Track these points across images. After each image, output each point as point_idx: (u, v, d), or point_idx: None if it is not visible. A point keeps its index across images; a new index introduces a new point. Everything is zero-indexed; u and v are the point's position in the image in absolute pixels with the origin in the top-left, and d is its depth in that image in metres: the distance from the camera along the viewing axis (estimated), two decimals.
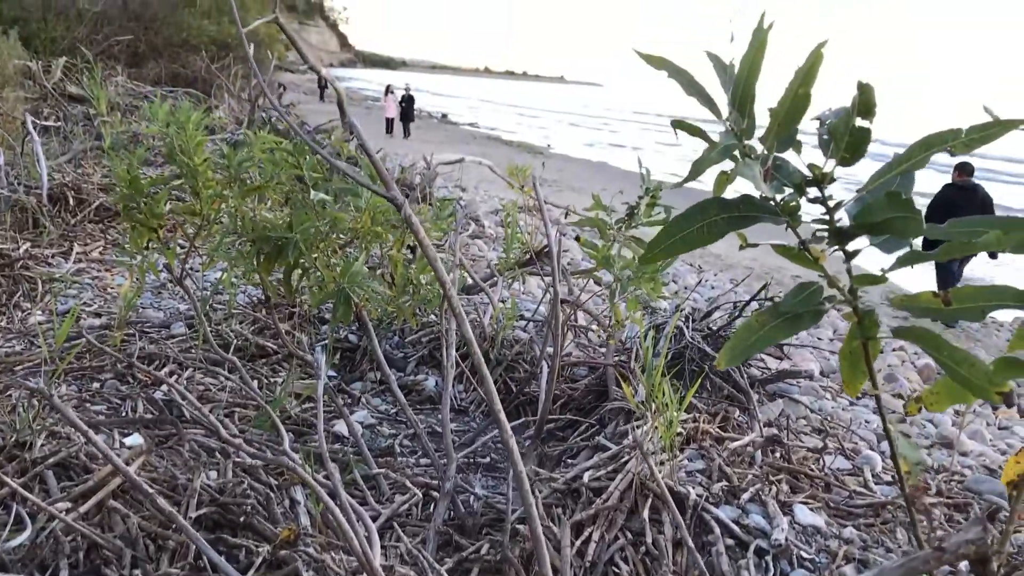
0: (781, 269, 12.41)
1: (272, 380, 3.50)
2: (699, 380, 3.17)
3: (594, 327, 4.48)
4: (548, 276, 5.12)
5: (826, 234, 0.93)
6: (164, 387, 3.14)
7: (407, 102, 29.66)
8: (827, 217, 0.93)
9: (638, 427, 2.67)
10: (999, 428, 5.09)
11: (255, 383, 3.37)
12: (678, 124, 1.12)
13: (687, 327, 3.61)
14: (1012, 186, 34.73)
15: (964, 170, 9.83)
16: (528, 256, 5.09)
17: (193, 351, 3.53)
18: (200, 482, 2.44)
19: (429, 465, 2.95)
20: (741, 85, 0.85)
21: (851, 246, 0.95)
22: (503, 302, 5.25)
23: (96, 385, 3.20)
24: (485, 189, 14.82)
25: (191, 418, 2.91)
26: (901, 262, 0.92)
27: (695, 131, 1.02)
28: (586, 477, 2.43)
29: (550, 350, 2.99)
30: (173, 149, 3.04)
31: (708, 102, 0.90)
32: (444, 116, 49.00)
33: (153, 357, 3.43)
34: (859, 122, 0.87)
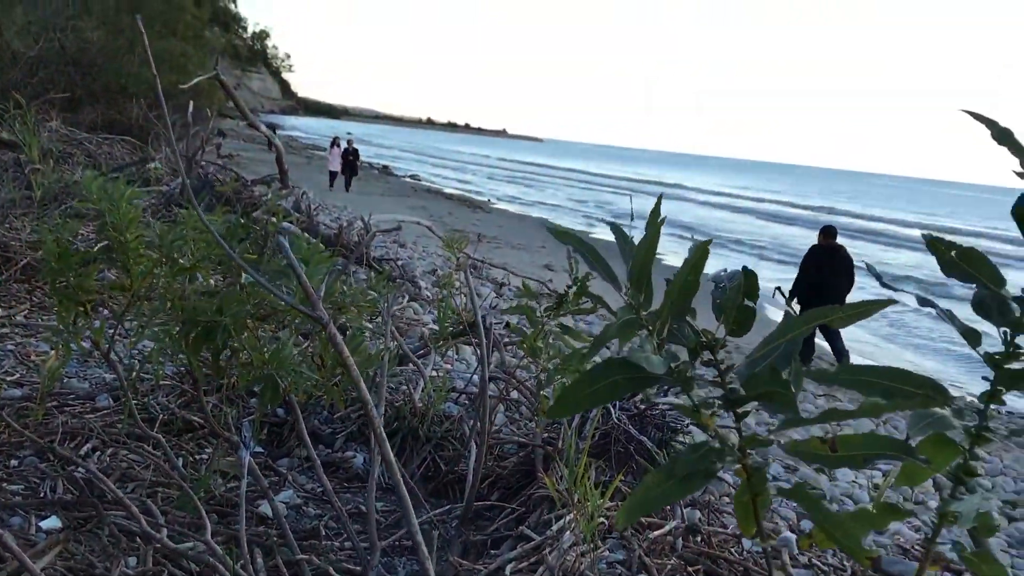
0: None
1: (198, 457, 3.46)
2: (623, 468, 3.23)
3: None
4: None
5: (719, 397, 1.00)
6: (87, 462, 3.09)
7: (353, 155, 29.64)
8: (720, 381, 1.00)
9: (561, 516, 2.71)
10: (915, 503, 5.25)
11: (180, 460, 3.33)
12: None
13: (614, 408, 3.68)
14: (890, 247, 36.17)
15: (828, 233, 10.94)
16: (462, 326, 5.14)
17: (118, 425, 3.48)
18: (119, 571, 2.40)
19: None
20: (639, 266, 0.93)
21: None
22: (436, 371, 5.28)
23: (14, 463, 3.13)
24: (424, 246, 14.89)
25: (112, 498, 2.87)
26: (785, 425, 1.00)
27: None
28: (508, 570, 2.46)
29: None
30: (105, 224, 3.04)
31: (610, 277, 0.98)
32: (385, 168, 49.15)
33: (76, 432, 3.38)
34: (746, 303, 0.96)
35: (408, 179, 44.29)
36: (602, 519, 2.74)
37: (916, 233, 44.73)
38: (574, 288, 3.00)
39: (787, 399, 0.90)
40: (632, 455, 3.51)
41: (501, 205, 35.83)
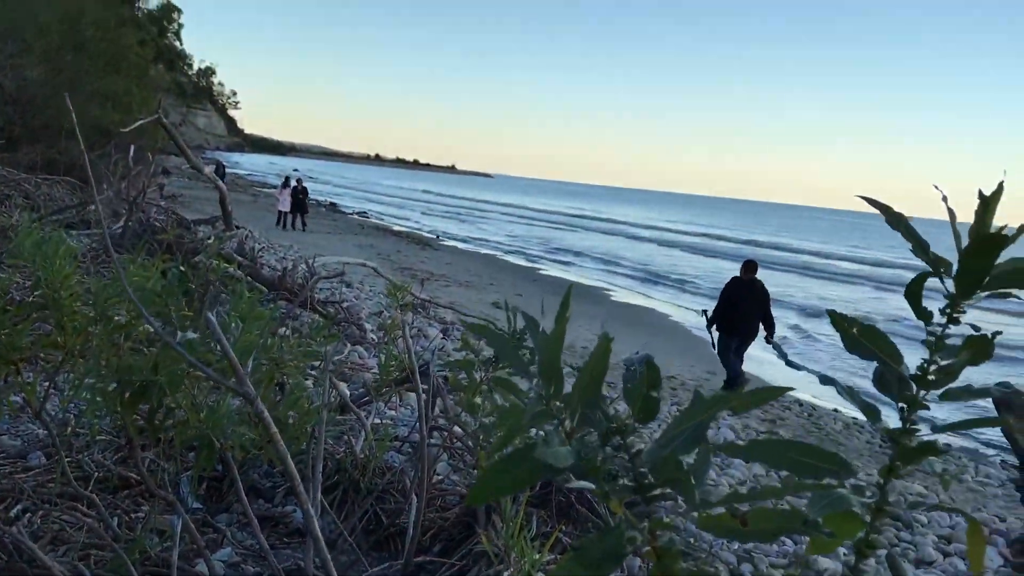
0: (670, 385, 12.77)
1: (134, 515, 3.40)
2: (564, 518, 3.26)
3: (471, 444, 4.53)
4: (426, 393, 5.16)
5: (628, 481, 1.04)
6: (15, 526, 3.02)
7: (302, 193, 29.35)
8: (629, 465, 1.04)
9: (499, 574, 2.72)
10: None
11: (115, 519, 3.27)
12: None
13: None
14: (819, 279, 36.97)
15: (748, 268, 11.66)
16: (406, 374, 5.14)
17: (50, 485, 3.41)
18: None
19: None
20: (547, 360, 0.97)
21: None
22: (380, 419, 5.26)
23: None
24: (371, 286, 14.83)
25: (41, 564, 2.81)
26: (686, 511, 1.03)
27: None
28: None
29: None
30: (39, 280, 3.00)
31: (522, 366, 1.01)
32: (333, 205, 48.96)
33: (5, 494, 3.30)
34: (651, 393, 1.00)
35: (356, 216, 44.17)
36: (540, 574, 2.75)
37: (848, 265, 45.80)
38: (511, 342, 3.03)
39: (687, 487, 0.94)
40: (573, 504, 3.54)
41: (450, 242, 35.90)
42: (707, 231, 70.05)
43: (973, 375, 1.21)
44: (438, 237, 37.16)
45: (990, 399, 3.13)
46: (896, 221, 1.28)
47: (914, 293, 1.24)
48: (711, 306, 12.05)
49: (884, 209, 1.29)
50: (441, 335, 9.52)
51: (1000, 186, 1.24)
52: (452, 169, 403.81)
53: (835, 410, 12.62)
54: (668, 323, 19.30)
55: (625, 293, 24.84)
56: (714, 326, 11.71)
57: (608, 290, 25.00)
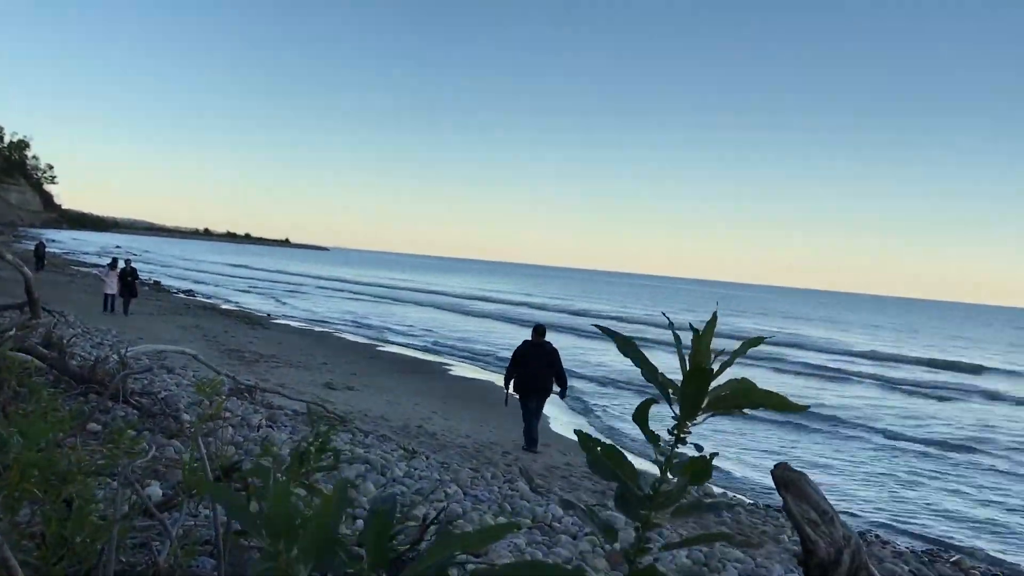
0: (492, 446, 12.84)
1: None
2: None
3: None
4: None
5: None
6: None
7: (131, 275, 27.57)
8: None
9: None
10: None
11: None
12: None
13: None
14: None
15: (538, 332, 12.89)
16: (224, 471, 4.94)
17: None
18: None
19: None
20: (274, 513, 0.98)
21: None
22: (195, 520, 5.01)
23: None
24: (194, 371, 14.23)
25: None
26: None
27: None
28: None
29: None
30: None
31: (253, 531, 1.03)
32: (157, 284, 46.92)
33: None
34: (380, 539, 1.03)
35: (182, 295, 42.46)
36: None
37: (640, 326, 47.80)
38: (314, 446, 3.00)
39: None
40: None
41: (282, 320, 35.03)
42: (547, 300, 71.68)
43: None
44: (268, 316, 36.18)
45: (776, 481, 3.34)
46: (624, 345, 1.37)
47: (642, 417, 1.33)
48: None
49: (614, 336, 1.38)
50: (266, 422, 9.21)
51: (714, 317, 1.36)
52: (286, 243, 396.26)
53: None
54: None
55: (464, 367, 24.90)
56: (510, 385, 12.84)
57: (447, 365, 25.00)
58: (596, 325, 1.59)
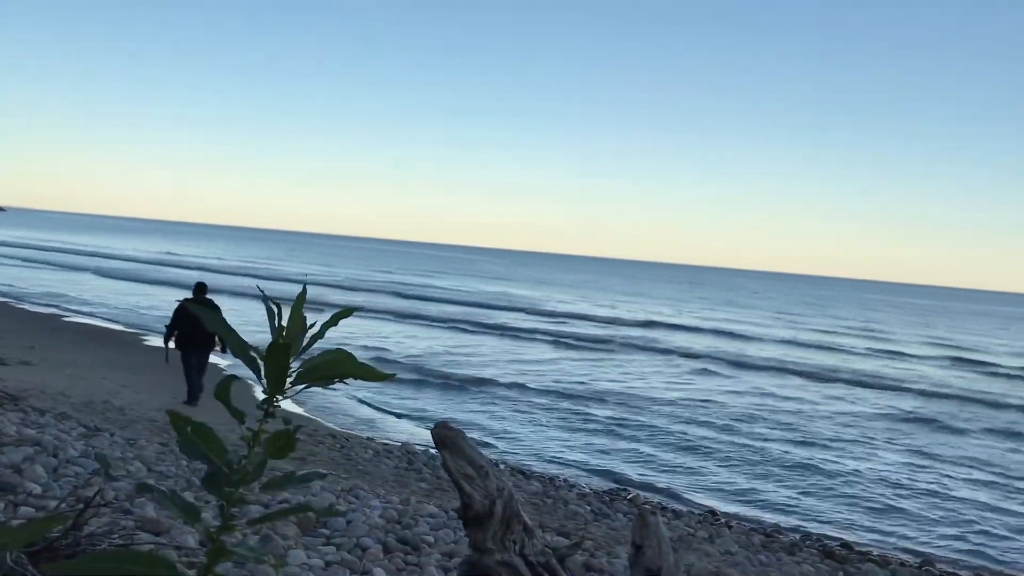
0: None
1: None
2: None
3: None
4: None
5: None
6: None
7: None
8: None
9: None
10: None
11: None
12: None
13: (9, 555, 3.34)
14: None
15: (199, 290, 13.44)
16: None
17: None
18: None
19: None
20: None
21: None
22: None
23: None
24: None
25: None
26: None
27: None
28: None
29: None
30: None
31: None
32: None
33: None
34: None
35: None
36: None
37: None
38: None
39: None
40: None
41: None
42: (241, 263, 69.12)
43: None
44: None
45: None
46: (212, 319, 1.34)
47: (224, 394, 1.30)
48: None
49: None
50: None
51: (303, 290, 1.35)
52: None
53: (368, 439, 13.18)
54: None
55: (157, 338, 23.48)
56: (171, 342, 13.29)
57: (141, 335, 23.46)
58: (258, 287, 1.54)
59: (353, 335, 26.35)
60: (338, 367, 1.32)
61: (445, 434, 2.98)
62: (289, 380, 1.29)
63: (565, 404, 18.53)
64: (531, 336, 32.73)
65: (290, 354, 1.25)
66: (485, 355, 25.99)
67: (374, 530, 6.76)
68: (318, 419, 14.73)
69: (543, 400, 18.83)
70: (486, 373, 21.87)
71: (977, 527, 11.77)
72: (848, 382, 26.69)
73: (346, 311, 1.37)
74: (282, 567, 4.98)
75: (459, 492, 2.99)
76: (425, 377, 20.37)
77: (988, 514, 12.40)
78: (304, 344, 1.33)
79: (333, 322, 1.34)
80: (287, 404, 15.09)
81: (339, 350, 1.36)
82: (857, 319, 65.48)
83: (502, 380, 20.95)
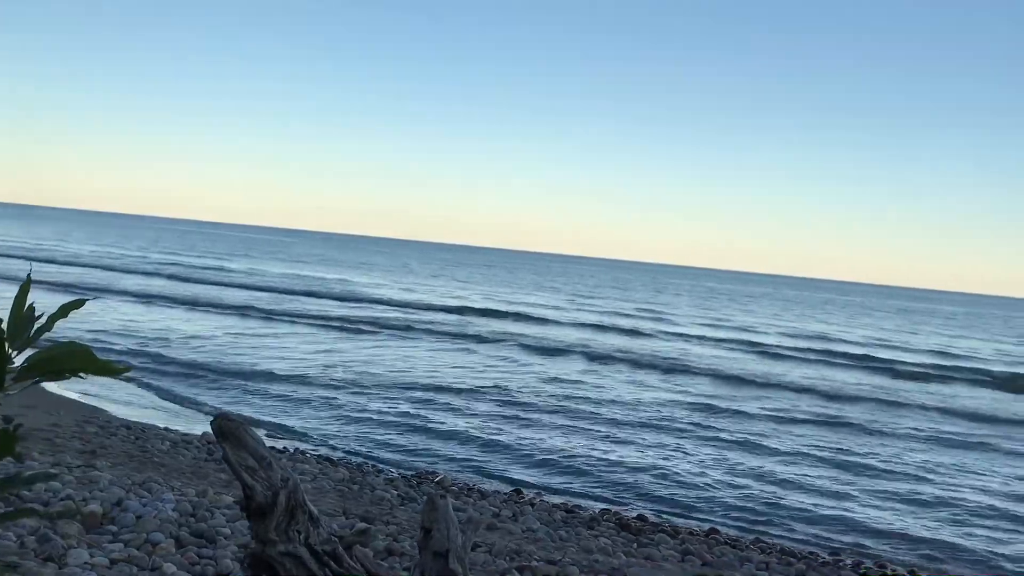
0: None
1: None
2: None
3: None
4: None
5: None
6: None
7: None
8: None
9: None
10: None
11: None
12: None
13: None
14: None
15: None
16: None
17: None
18: None
19: None
20: None
21: None
22: None
23: None
24: None
25: None
26: None
27: None
28: None
29: None
30: None
31: None
32: None
33: None
34: None
35: None
36: None
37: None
38: None
39: None
40: None
41: None
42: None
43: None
44: None
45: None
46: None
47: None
48: None
49: None
50: None
51: (26, 282, 1.28)
52: None
53: (165, 428, 12.58)
54: None
55: None
56: None
57: None
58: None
59: (99, 322, 24.35)
60: (68, 361, 1.26)
61: (225, 426, 2.89)
62: (11, 376, 1.21)
63: (371, 391, 18.42)
64: (327, 324, 31.97)
65: (7, 347, 1.17)
66: (277, 344, 25.31)
67: (166, 524, 6.51)
68: (109, 410, 13.93)
69: (343, 388, 18.62)
70: (282, 364, 21.35)
71: (760, 499, 12.70)
72: (636, 364, 27.74)
73: (77, 302, 1.30)
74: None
75: (241, 484, 2.92)
76: (212, 369, 19.44)
77: (769, 487, 13.39)
78: (31, 336, 1.25)
79: (62, 314, 1.26)
80: (72, 393, 14.24)
81: (71, 343, 1.29)
82: (642, 301, 68.04)
83: (300, 369, 20.54)
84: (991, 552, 11.19)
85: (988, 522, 12.61)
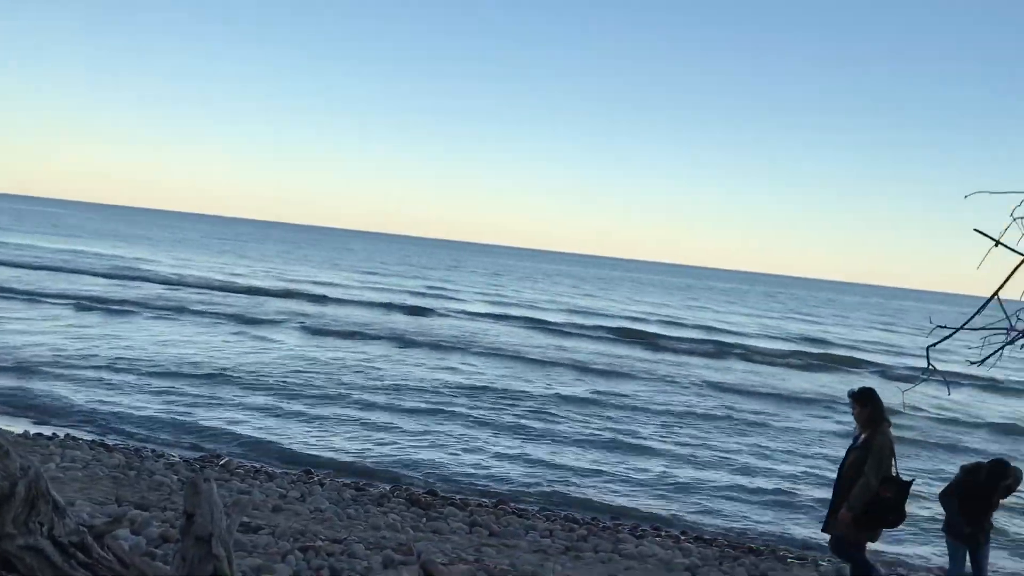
0: None
1: None
2: None
3: None
4: None
5: None
6: None
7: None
8: None
9: None
10: None
11: None
12: None
13: None
14: None
15: None
16: None
17: None
18: None
19: None
20: None
21: None
22: None
23: None
24: None
25: None
26: None
27: None
28: None
29: None
30: None
31: None
32: None
33: None
34: None
35: None
36: None
37: None
38: None
39: None
40: None
41: None
42: None
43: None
44: None
45: None
46: None
47: None
48: None
49: None
50: None
51: None
52: None
53: None
54: None
55: None
56: None
57: None
58: None
59: None
60: None
61: None
62: None
63: (149, 374, 17.45)
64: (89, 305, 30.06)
65: None
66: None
67: None
68: None
69: (116, 370, 17.61)
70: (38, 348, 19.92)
71: (546, 465, 13.15)
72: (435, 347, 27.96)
73: None
74: None
75: None
76: None
77: (560, 460, 13.87)
78: None
79: None
80: None
81: None
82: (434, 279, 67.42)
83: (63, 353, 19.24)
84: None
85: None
